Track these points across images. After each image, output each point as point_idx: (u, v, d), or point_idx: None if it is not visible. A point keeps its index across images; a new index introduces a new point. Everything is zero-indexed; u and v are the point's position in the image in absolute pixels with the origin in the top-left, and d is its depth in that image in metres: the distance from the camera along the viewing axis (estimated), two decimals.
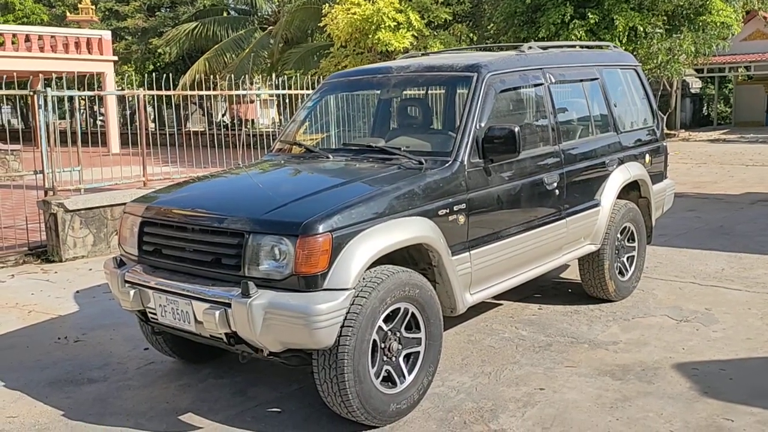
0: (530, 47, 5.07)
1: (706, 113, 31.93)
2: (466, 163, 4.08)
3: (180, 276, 3.67)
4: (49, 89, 7.74)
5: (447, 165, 4.03)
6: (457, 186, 4.01)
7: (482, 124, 4.21)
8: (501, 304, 5.50)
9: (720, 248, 7.24)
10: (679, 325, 4.99)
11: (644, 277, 5.95)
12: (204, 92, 9.91)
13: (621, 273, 5.55)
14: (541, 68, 4.89)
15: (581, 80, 5.34)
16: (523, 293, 5.66)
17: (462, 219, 4.01)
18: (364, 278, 3.43)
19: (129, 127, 23.85)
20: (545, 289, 5.93)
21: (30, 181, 8.71)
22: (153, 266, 3.85)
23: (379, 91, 5.13)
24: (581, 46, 6.44)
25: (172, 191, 4.31)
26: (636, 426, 3.54)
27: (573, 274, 6.17)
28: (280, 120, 21.89)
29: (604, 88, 5.49)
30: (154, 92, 8.96)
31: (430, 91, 5.18)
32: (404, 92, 5.12)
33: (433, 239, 3.77)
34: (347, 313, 3.33)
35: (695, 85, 32.55)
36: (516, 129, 4.06)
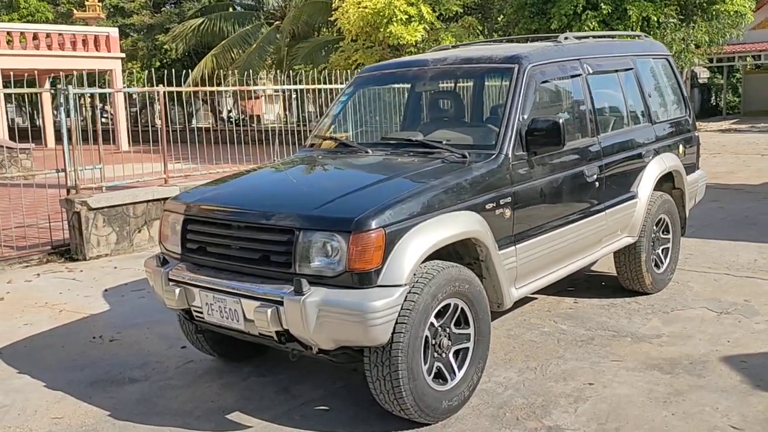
0: (566, 37, 5.00)
1: (714, 103, 31.74)
2: (510, 155, 4.02)
3: (226, 274, 3.62)
4: (70, 87, 7.69)
5: (492, 158, 3.97)
6: (502, 179, 3.96)
7: (525, 116, 4.15)
8: (536, 298, 5.44)
9: (749, 239, 7.17)
10: (720, 317, 4.94)
11: (678, 269, 5.88)
12: (221, 88, 9.88)
13: (657, 265, 5.49)
14: (578, 59, 4.82)
15: (616, 70, 5.27)
16: (556, 287, 5.58)
17: (508, 212, 3.96)
18: (415, 274, 3.37)
19: (131, 124, 23.76)
20: (578, 283, 5.87)
21: (44, 180, 8.64)
22: (197, 264, 3.80)
23: (415, 85, 5.06)
24: (612, 36, 6.36)
25: (213, 188, 4.25)
26: (693, 420, 3.48)
27: (605, 267, 6.11)
28: (285, 115, 21.80)
29: (638, 78, 5.42)
30: (174, 89, 8.89)
31: (467, 84, 5.11)
32: (441, 85, 5.06)
33: (481, 233, 3.72)
34: (401, 309, 3.28)
35: (703, 75, 32.35)
36: (561, 120, 4.00)
